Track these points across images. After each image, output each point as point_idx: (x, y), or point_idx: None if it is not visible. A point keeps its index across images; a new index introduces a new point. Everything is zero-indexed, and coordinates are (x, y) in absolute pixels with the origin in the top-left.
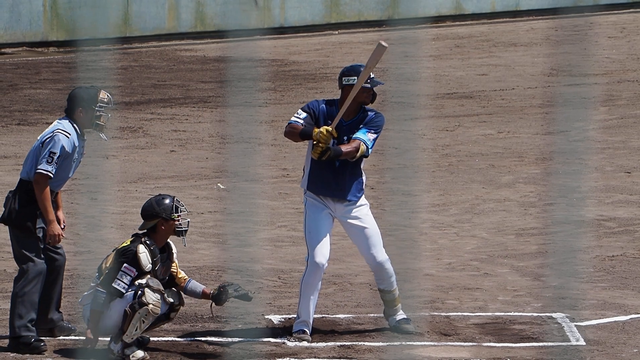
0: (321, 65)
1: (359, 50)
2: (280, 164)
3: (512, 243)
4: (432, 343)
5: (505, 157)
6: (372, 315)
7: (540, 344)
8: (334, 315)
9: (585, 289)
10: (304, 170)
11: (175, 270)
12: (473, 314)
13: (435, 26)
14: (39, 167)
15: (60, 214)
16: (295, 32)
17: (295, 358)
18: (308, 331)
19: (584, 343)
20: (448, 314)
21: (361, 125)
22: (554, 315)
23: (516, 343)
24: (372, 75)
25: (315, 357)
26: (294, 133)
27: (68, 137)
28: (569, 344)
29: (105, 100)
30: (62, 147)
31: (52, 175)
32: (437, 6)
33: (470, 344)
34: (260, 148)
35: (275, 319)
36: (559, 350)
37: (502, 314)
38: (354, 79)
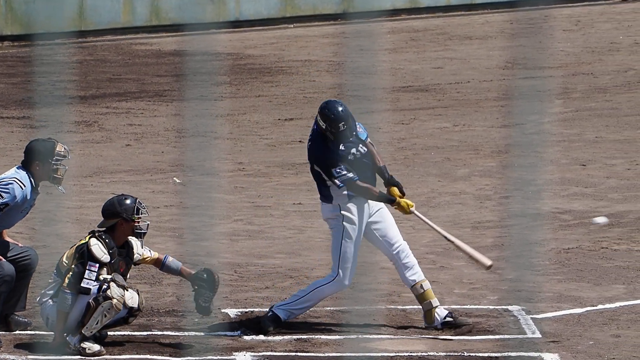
0: (277, 59)
1: (315, 44)
2: (236, 158)
3: (468, 236)
4: (388, 336)
5: (461, 150)
6: (328, 308)
7: (497, 336)
8: None
9: (541, 282)
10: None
11: (148, 256)
12: None
13: (390, 19)
14: None
15: (7, 238)
16: (251, 25)
17: (252, 352)
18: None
19: (540, 336)
20: (404, 307)
21: (354, 133)
22: (510, 307)
23: (472, 336)
24: (341, 128)
25: (271, 351)
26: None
27: (22, 189)
28: (525, 336)
29: (62, 153)
30: (14, 197)
31: None
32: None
33: (427, 337)
34: (216, 142)
35: (232, 312)
36: (515, 342)
37: (459, 306)
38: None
